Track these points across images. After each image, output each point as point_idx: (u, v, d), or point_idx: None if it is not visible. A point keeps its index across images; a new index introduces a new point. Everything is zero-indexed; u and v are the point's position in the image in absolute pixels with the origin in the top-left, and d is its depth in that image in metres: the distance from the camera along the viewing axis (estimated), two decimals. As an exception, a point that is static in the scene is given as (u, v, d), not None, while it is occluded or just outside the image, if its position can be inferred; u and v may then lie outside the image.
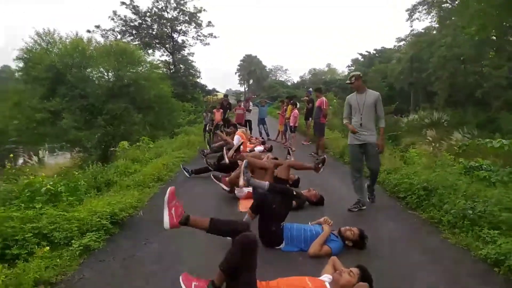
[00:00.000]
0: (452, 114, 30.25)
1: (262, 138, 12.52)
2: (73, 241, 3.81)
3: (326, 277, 2.93)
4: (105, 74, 17.38)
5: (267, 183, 4.17)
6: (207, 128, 13.42)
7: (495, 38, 26.60)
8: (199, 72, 37.46)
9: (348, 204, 5.41)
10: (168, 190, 2.81)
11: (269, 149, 10.22)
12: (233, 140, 8.86)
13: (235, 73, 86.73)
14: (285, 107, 12.42)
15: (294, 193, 5.15)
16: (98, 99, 15.96)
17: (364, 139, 5.22)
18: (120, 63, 16.51)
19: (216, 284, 2.60)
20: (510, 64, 25.82)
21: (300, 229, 3.91)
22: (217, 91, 52.65)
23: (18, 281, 2.99)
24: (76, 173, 6.64)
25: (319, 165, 5.50)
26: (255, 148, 10.35)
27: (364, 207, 5.27)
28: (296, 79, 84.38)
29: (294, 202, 5.17)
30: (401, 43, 45.04)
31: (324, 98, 9.53)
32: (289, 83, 72.02)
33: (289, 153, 6.98)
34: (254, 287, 2.55)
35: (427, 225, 4.66)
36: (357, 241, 3.82)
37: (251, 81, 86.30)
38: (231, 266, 2.53)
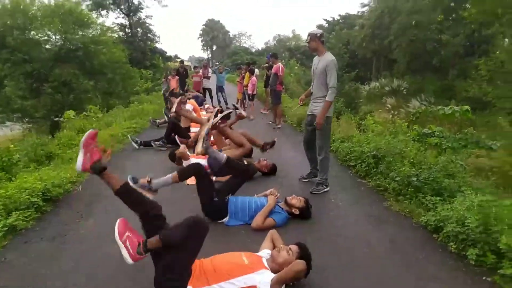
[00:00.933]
0: (411, 82, 31.02)
1: (220, 106, 12.18)
2: (-4, 222, 3.48)
3: (264, 253, 2.83)
4: (52, 37, 16.13)
5: (225, 156, 3.94)
6: (165, 95, 12.87)
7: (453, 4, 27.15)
8: (158, 37, 35.79)
9: (300, 174, 5.34)
10: (87, 132, 2.49)
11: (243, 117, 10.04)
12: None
13: (198, 38, 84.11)
14: (243, 74, 12.08)
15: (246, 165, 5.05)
16: (44, 64, 14.88)
17: (311, 110, 4.72)
18: (66, 24, 15.30)
19: (148, 247, 2.37)
20: (467, 31, 26.44)
21: (245, 201, 3.77)
22: (179, 58, 50.89)
23: None
24: (12, 145, 6.11)
25: (268, 146, 5.41)
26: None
27: (324, 189, 4.71)
28: (260, 45, 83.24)
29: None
30: (365, 9, 44.99)
31: (280, 64, 9.24)
32: (253, 50, 70.66)
33: (236, 108, 6.58)
34: (188, 269, 2.38)
35: (374, 193, 4.68)
36: (302, 209, 3.75)
37: (214, 47, 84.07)
38: (172, 242, 2.34)
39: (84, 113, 9.58)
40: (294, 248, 2.69)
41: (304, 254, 2.66)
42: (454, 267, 2.95)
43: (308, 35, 4.55)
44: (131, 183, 3.28)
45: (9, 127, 19.20)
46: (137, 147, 7.02)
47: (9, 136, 15.99)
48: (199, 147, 3.86)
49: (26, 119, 16.86)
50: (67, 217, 3.93)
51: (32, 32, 15.92)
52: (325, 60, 4.45)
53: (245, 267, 2.47)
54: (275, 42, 77.79)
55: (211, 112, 10.83)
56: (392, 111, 21.63)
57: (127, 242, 2.33)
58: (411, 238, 3.48)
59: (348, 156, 5.93)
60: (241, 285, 2.38)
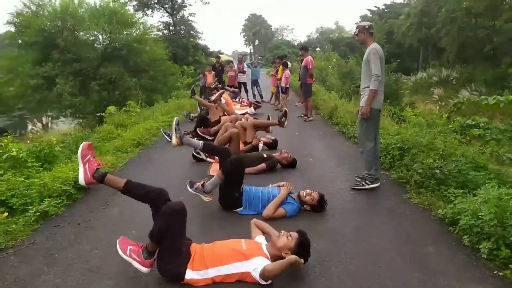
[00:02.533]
0: (461, 71, 29.35)
1: (256, 100, 12.30)
2: (30, 207, 3.81)
3: (262, 239, 2.89)
4: (99, 37, 17.05)
5: (201, 142, 4.04)
6: (201, 91, 13.21)
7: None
8: (201, 33, 36.59)
9: (322, 168, 5.33)
10: (81, 145, 2.69)
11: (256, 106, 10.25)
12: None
13: (240, 33, 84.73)
14: (277, 68, 12.09)
15: (265, 157, 5.10)
16: (91, 63, 15.75)
17: (360, 103, 4.47)
18: (111, 25, 16.09)
19: (149, 250, 2.58)
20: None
21: (258, 192, 3.84)
22: (222, 53, 51.64)
23: (-35, 246, 3.03)
24: (54, 139, 6.60)
25: (282, 119, 5.41)
26: (248, 111, 10.19)
27: (367, 186, 4.43)
28: (303, 38, 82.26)
29: (264, 165, 5.13)
30: (411, -4, 43.14)
31: (310, 57, 9.15)
32: (295, 43, 70.08)
33: (268, 118, 6.75)
34: (178, 252, 2.52)
35: (395, 185, 4.57)
36: (315, 206, 3.76)
37: (256, 42, 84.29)
38: (158, 235, 2.50)
39: (124, 108, 10.07)
40: (294, 234, 2.72)
41: (303, 242, 2.69)
42: (464, 261, 2.84)
43: (356, 28, 4.48)
44: (174, 123, 3.81)
45: (65, 123, 20.66)
46: (168, 139, 7.29)
47: (63, 131, 17.15)
48: (173, 139, 3.95)
49: (77, 115, 18.01)
50: (94, 204, 4.20)
51: (81, 33, 16.91)
52: (367, 50, 4.33)
53: (241, 253, 2.55)
54: (317, 34, 76.68)
55: (246, 106, 11.04)
56: (439, 102, 20.64)
57: (87, 165, 2.60)
58: (426, 231, 3.39)
59: (374, 148, 5.79)
60: (235, 270, 2.48)
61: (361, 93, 4.46)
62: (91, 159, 2.67)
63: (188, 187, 3.75)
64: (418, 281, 2.58)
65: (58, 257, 3.04)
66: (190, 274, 2.51)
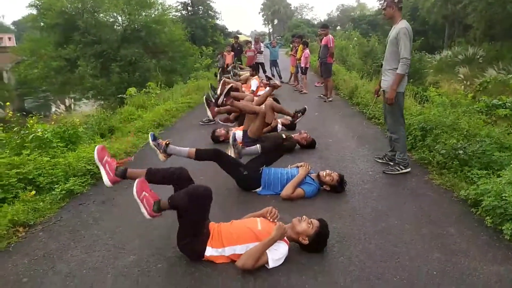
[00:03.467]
0: (488, 49, 28.21)
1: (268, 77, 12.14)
2: (56, 186, 3.94)
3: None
4: (118, 18, 17.13)
5: (258, 147, 4.05)
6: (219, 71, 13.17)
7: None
8: (219, 14, 36.26)
9: (342, 148, 5.29)
10: (95, 149, 2.74)
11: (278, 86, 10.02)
12: (249, 85, 8.65)
13: (259, 13, 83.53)
14: (296, 47, 11.90)
15: (284, 138, 5.09)
16: (111, 45, 15.92)
17: (382, 85, 4.33)
18: (130, 6, 16.13)
19: (161, 206, 2.60)
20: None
21: (277, 173, 3.85)
22: (240, 33, 51.19)
23: (-4, 221, 3.17)
24: (78, 120, 6.75)
25: (298, 114, 5.36)
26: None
27: (402, 170, 4.28)
28: (323, 17, 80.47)
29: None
30: (437, -29, 41.35)
31: (330, 36, 8.94)
32: (315, 22, 68.65)
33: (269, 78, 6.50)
34: (199, 233, 2.58)
35: (417, 166, 4.50)
36: (335, 186, 3.75)
37: (275, 21, 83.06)
38: (177, 207, 2.55)
39: (144, 89, 10.17)
40: (316, 222, 2.71)
41: (322, 231, 2.69)
42: (486, 242, 2.80)
43: (384, 1, 4.16)
44: (150, 139, 3.68)
45: (87, 104, 21.12)
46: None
47: (85, 112, 17.54)
48: (232, 154, 3.98)
49: (99, 97, 18.35)
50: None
51: (101, 15, 17.04)
52: (397, 28, 4.03)
53: (255, 234, 2.58)
54: (338, 12, 74.86)
55: (266, 85, 10.96)
56: (464, 82, 20.00)
57: (144, 201, 2.56)
58: (447, 212, 3.34)
59: (395, 129, 5.69)
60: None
61: (384, 74, 4.25)
62: (108, 159, 2.74)
63: (150, 139, 3.76)
64: (439, 262, 2.57)
65: (84, 233, 3.16)
66: (209, 251, 2.58)
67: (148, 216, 2.57)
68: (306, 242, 2.64)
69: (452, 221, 3.16)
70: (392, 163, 4.46)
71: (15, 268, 2.67)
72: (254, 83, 8.58)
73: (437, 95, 8.02)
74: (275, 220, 2.72)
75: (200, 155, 3.76)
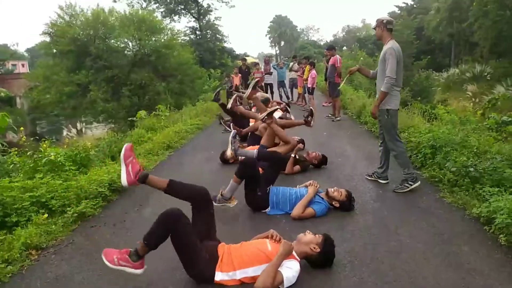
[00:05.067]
0: (495, 66, 28.20)
1: (283, 102, 12.28)
2: (68, 209, 3.98)
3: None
4: (129, 44, 17.60)
5: (255, 151, 4.10)
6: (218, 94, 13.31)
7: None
8: (227, 37, 36.94)
9: (351, 167, 5.29)
10: (124, 146, 2.69)
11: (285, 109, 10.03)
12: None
13: (266, 35, 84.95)
14: (303, 68, 12.04)
15: (297, 158, 5.08)
16: (122, 69, 16.32)
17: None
18: (141, 32, 16.58)
19: (140, 254, 2.55)
20: None
21: (286, 192, 3.86)
22: (247, 55, 51.93)
23: (10, 245, 3.21)
24: (89, 143, 6.87)
25: (308, 118, 5.38)
26: (274, 114, 10.18)
27: (411, 186, 4.25)
28: (329, 38, 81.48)
29: (298, 167, 5.14)
30: (440, -9, 41.82)
31: (338, 56, 9.09)
32: (321, 43, 69.47)
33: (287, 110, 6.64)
34: (201, 257, 2.57)
35: (427, 184, 4.46)
36: (344, 202, 3.74)
37: (282, 43, 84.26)
38: (154, 239, 2.51)
39: (154, 112, 10.33)
40: (319, 235, 2.75)
41: (327, 243, 2.70)
42: (501, 260, 2.76)
43: (376, 21, 4.35)
44: (231, 136, 4.02)
45: (98, 128, 21.47)
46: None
47: (96, 135, 17.82)
48: (228, 151, 4.02)
49: (110, 120, 18.66)
50: (128, 205, 4.35)
51: (112, 41, 17.53)
52: (385, 48, 4.21)
53: (266, 255, 2.57)
54: (344, 33, 75.74)
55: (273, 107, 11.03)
56: (473, 99, 19.93)
57: (130, 166, 2.60)
58: (460, 230, 3.31)
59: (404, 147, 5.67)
60: (260, 272, 2.49)
61: (377, 92, 4.36)
62: (133, 160, 2.69)
63: (214, 203, 3.80)
64: (453, 281, 2.53)
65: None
66: (219, 276, 2.56)
67: (125, 183, 2.60)
68: (318, 250, 2.65)
69: (465, 240, 3.12)
70: (400, 182, 4.41)
71: (28, 291, 2.69)
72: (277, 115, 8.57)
73: (446, 112, 8.02)
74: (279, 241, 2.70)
75: (240, 173, 3.83)
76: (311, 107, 5.90)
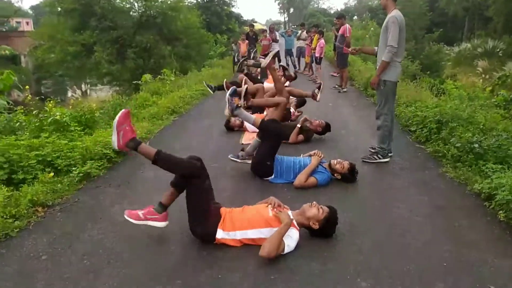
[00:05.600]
0: (509, 42, 27.49)
1: (288, 69, 12.09)
2: (74, 169, 4.04)
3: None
4: (134, 4, 17.20)
5: (253, 116, 4.07)
6: (235, 60, 13.14)
7: None
8: (234, 1, 35.98)
9: (355, 139, 5.30)
10: (120, 112, 2.66)
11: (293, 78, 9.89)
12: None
13: (274, 1, 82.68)
14: (311, 37, 11.78)
15: (300, 127, 5.06)
16: (127, 31, 16.04)
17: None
18: (146, -8, 16.19)
19: (163, 204, 2.76)
20: None
21: (290, 161, 3.89)
22: (255, 21, 50.78)
23: (17, 201, 3.28)
24: (94, 105, 6.87)
25: (315, 91, 5.34)
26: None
27: (378, 160, 4.35)
28: (339, 6, 79.23)
29: (301, 136, 5.14)
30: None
31: (347, 25, 8.85)
32: (331, 11, 67.67)
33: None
34: (208, 214, 2.68)
35: (431, 159, 4.47)
36: (346, 175, 3.76)
37: (291, 10, 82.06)
38: (162, 163, 2.68)
39: (159, 76, 10.26)
40: (325, 208, 2.75)
41: (331, 217, 2.73)
42: (498, 236, 2.80)
43: None
44: (228, 92, 3.83)
45: (103, 90, 21.40)
46: (212, 92, 7.16)
47: (101, 98, 17.79)
48: (226, 110, 3.98)
49: (114, 82, 18.55)
50: (133, 167, 4.41)
51: (117, 0, 17.13)
52: (388, 17, 4.12)
53: (266, 220, 2.64)
54: (355, 2, 73.47)
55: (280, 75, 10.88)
56: (483, 75, 19.59)
57: (121, 133, 2.61)
58: (460, 205, 3.34)
59: (410, 121, 5.65)
60: (259, 235, 2.60)
61: (378, 62, 4.28)
62: (127, 127, 2.64)
63: (234, 159, 4.04)
64: (449, 253, 2.58)
65: (101, 215, 3.26)
66: (220, 234, 2.64)
67: (116, 146, 2.63)
68: (316, 226, 2.69)
69: (464, 214, 3.16)
70: (370, 153, 4.47)
71: (34, 245, 2.78)
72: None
73: (454, 88, 7.90)
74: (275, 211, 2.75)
75: (263, 127, 3.89)
76: (320, 81, 5.81)
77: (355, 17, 57.04)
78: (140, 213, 2.74)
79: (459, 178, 3.84)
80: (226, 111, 3.97)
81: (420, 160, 4.47)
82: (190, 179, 2.64)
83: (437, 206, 3.32)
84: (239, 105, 3.88)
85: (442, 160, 4.34)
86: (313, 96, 5.60)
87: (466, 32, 36.13)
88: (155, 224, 2.73)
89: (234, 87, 4.16)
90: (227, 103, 3.84)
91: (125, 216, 2.76)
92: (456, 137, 4.37)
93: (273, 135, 3.93)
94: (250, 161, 4.02)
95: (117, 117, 2.61)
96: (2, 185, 3.49)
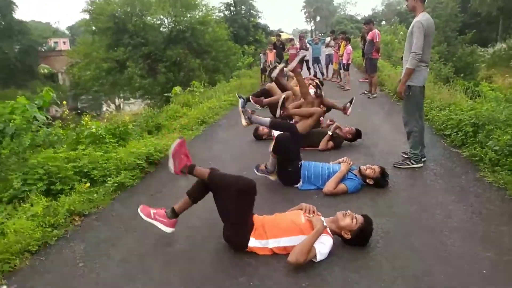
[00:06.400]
0: (547, 41, 26.27)
1: (318, 78, 12.04)
2: (109, 179, 4.18)
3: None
4: (164, 20, 17.76)
5: (268, 119, 4.11)
6: (262, 68, 13.25)
7: None
8: (261, 12, 36.41)
9: (386, 145, 5.20)
10: (176, 141, 2.78)
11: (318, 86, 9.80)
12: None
13: (301, 10, 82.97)
14: (339, 44, 11.71)
15: (330, 134, 5.03)
16: (158, 46, 16.54)
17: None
18: (176, 8, 16.67)
19: (177, 211, 2.85)
20: None
21: (318, 167, 3.85)
22: (282, 31, 51.06)
23: (55, 211, 3.43)
24: (127, 118, 7.11)
25: (347, 105, 5.28)
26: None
27: (412, 165, 4.24)
28: (367, 12, 78.44)
29: (331, 143, 5.09)
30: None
31: (376, 30, 8.74)
32: (359, 17, 66.99)
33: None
34: (244, 225, 2.67)
35: (467, 163, 4.30)
36: (378, 179, 3.69)
37: (317, 18, 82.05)
38: (215, 183, 2.72)
39: (188, 88, 10.49)
40: (360, 218, 2.69)
41: (366, 227, 2.67)
42: (543, 242, 2.65)
43: None
44: (240, 105, 4.14)
45: (135, 104, 22.10)
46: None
47: (134, 111, 18.39)
48: (243, 121, 4.04)
49: (146, 96, 19.12)
50: (165, 177, 4.49)
51: (148, 18, 17.75)
52: (414, 21, 4.04)
53: (299, 227, 2.61)
54: (383, 7, 72.52)
55: (309, 85, 10.86)
56: (521, 76, 18.74)
57: (177, 162, 2.74)
58: (500, 210, 3.18)
59: (444, 125, 5.48)
60: (292, 243, 2.55)
61: (403, 66, 4.20)
62: (182, 156, 2.77)
63: (255, 171, 3.98)
64: (490, 260, 2.46)
65: (135, 223, 3.32)
66: (253, 242, 2.64)
67: (172, 171, 2.75)
68: (348, 236, 2.64)
69: (504, 220, 3.01)
70: (402, 158, 4.37)
71: (72, 253, 2.88)
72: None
73: (490, 90, 7.59)
74: (311, 215, 2.76)
75: (276, 125, 4.06)
76: (353, 97, 5.74)
77: (383, 22, 56.27)
78: (152, 211, 2.87)
79: (498, 183, 3.67)
80: (243, 122, 4.04)
81: (456, 165, 4.30)
82: (242, 195, 2.66)
83: (476, 211, 3.18)
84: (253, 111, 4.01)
85: (480, 165, 4.16)
86: (344, 110, 5.56)
87: (501, 32, 34.74)
88: (160, 226, 2.83)
89: (242, 100, 4.28)
90: (242, 114, 3.94)
91: (138, 210, 2.88)
92: (493, 140, 4.19)
93: (289, 131, 3.93)
94: (271, 177, 3.98)
95: (172, 147, 2.73)
96: (41, 196, 3.66)
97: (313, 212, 2.78)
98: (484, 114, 4.84)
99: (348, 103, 5.55)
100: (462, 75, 12.16)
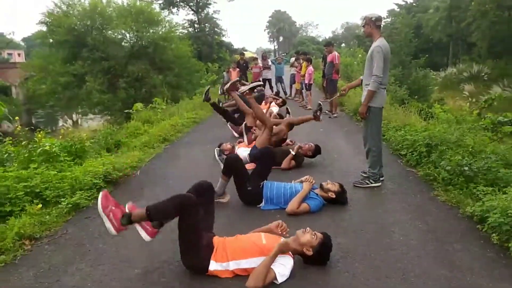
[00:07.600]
0: (493, 67, 28.31)
1: (281, 97, 12.22)
2: (62, 200, 3.97)
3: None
4: (126, 35, 17.50)
5: (247, 156, 4.16)
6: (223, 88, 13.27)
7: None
8: (225, 31, 36.73)
9: (346, 164, 5.31)
10: (100, 196, 2.56)
11: (282, 103, 9.94)
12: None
13: (264, 30, 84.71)
14: (300, 64, 12.01)
15: (293, 154, 5.12)
16: (119, 61, 16.23)
17: (362, 100, 4.40)
18: (138, 23, 16.49)
19: (131, 219, 2.55)
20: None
21: (280, 187, 3.87)
22: (245, 50, 51.75)
23: (3, 235, 3.19)
24: (85, 135, 6.84)
25: (317, 113, 5.38)
26: (272, 108, 10.15)
27: (370, 184, 4.35)
28: (327, 34, 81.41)
29: (293, 162, 5.15)
30: (440, -10, 41.82)
31: (336, 52, 9.08)
32: (320, 39, 69.31)
33: (288, 112, 6.80)
34: (201, 246, 2.60)
35: (422, 182, 4.48)
36: (339, 193, 3.77)
37: (280, 38, 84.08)
38: (161, 215, 2.59)
39: (150, 105, 10.31)
40: (319, 235, 2.71)
41: (325, 244, 2.69)
42: (493, 259, 2.78)
43: (364, 19, 4.30)
44: (216, 154, 4.31)
45: (94, 120, 21.37)
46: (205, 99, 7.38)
47: (92, 127, 17.77)
48: (222, 166, 4.06)
49: (106, 112, 18.56)
50: (123, 198, 4.26)
51: (109, 32, 17.41)
52: (373, 46, 4.20)
53: (260, 249, 2.59)
54: (343, 30, 75.62)
55: (270, 102, 10.98)
56: (470, 99, 19.97)
57: (111, 215, 2.51)
58: (453, 228, 3.33)
59: (400, 145, 5.70)
60: (253, 265, 2.52)
61: (363, 89, 4.35)
62: (113, 208, 2.57)
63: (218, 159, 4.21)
64: (445, 278, 2.55)
65: (89, 247, 3.18)
66: (213, 266, 2.58)
67: (114, 232, 2.52)
68: (310, 253, 2.64)
69: (458, 238, 3.14)
70: (361, 178, 4.49)
71: (20, 281, 2.69)
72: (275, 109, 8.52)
73: (442, 111, 8.04)
74: (284, 233, 2.76)
75: (226, 169, 3.88)
76: (319, 101, 5.85)
77: (343, 44, 58.49)
78: (111, 206, 2.58)
79: (451, 201, 3.84)
80: (222, 166, 4.05)
81: (411, 184, 4.48)
82: (182, 215, 2.57)
83: (431, 230, 3.31)
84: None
85: (433, 184, 4.35)
86: (315, 118, 5.54)
87: (451, 58, 37.17)
88: (141, 232, 2.60)
89: (218, 149, 4.40)
90: (220, 162, 4.09)
91: (100, 195, 2.57)
92: (446, 160, 4.40)
93: (266, 157, 4.09)
94: (223, 200, 3.97)
95: (99, 204, 2.52)
96: (-13, 219, 3.41)
97: (286, 229, 2.80)
98: (437, 135, 5.10)
99: (318, 111, 5.55)
100: (416, 97, 12.78)
